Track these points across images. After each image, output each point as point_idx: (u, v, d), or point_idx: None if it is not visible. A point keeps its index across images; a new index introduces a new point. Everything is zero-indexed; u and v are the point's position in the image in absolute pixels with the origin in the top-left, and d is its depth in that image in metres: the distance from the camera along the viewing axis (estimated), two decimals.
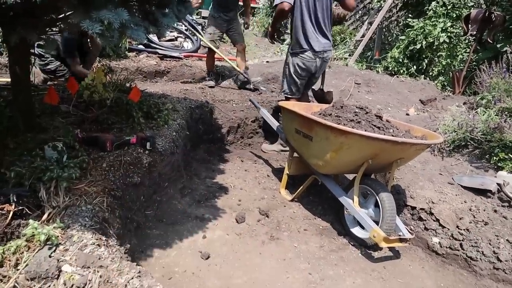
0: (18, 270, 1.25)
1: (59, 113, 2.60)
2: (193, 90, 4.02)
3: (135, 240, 1.97)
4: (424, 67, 5.71)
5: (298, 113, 2.42)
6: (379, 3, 6.52)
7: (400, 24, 6.37)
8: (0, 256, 1.27)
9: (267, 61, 6.28)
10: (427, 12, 5.58)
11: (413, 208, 2.48)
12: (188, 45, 6.13)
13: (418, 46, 5.48)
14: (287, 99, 3.28)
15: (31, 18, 1.62)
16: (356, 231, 2.36)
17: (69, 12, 1.49)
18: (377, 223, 2.18)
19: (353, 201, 2.26)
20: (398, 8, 6.30)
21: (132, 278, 1.31)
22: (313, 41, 3.01)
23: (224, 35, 4.56)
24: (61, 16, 1.65)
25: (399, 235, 2.19)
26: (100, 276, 1.27)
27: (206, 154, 3.36)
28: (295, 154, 2.77)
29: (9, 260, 1.27)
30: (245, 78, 4.50)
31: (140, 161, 2.16)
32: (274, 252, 2.12)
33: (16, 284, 1.22)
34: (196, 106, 3.44)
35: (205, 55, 5.19)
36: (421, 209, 2.44)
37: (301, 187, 2.68)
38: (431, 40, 5.39)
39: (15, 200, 1.52)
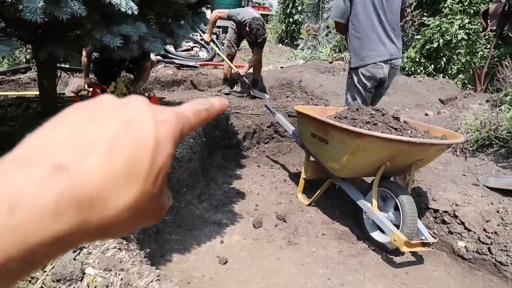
0: (45, 272, 1.29)
1: None
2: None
3: (155, 245, 2.00)
4: (443, 66, 5.58)
5: (313, 116, 2.41)
6: None
7: (416, 24, 6.25)
8: None
9: (281, 67, 6.29)
10: (443, 10, 5.47)
11: (436, 211, 2.41)
12: (203, 54, 6.23)
13: (435, 44, 5.37)
14: None
15: (57, 35, 1.69)
16: (376, 235, 2.31)
17: (92, 28, 1.56)
18: (397, 227, 2.13)
19: (372, 205, 2.21)
20: (412, 8, 6.19)
21: (152, 281, 1.33)
22: (379, 46, 2.73)
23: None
24: (84, 31, 1.72)
25: (422, 239, 2.12)
26: (121, 279, 1.29)
27: (223, 160, 3.38)
28: (312, 158, 2.75)
29: None
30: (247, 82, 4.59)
31: None
32: (292, 257, 2.10)
33: (43, 285, 1.26)
34: None
35: (220, 63, 5.27)
36: (445, 211, 2.36)
37: (318, 191, 2.65)
38: (449, 38, 5.27)
39: None
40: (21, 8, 1.18)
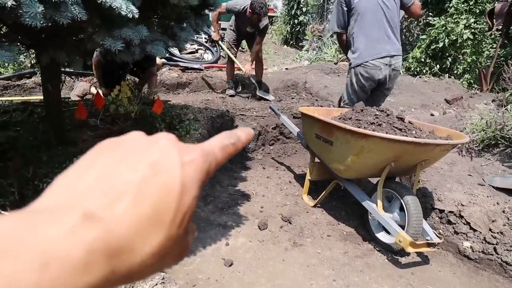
0: None
1: (88, 126, 2.72)
2: (214, 100, 4.10)
3: None
4: (448, 66, 5.55)
5: (317, 118, 2.42)
6: None
7: (421, 24, 6.23)
8: None
9: (286, 68, 6.31)
10: (448, 10, 5.44)
11: (441, 211, 2.40)
12: (208, 56, 6.27)
13: (441, 44, 5.34)
14: None
15: (59, 39, 1.72)
16: (382, 236, 2.31)
17: (93, 32, 1.58)
18: (403, 227, 2.12)
19: (377, 206, 2.22)
20: None
21: (156, 284, 1.35)
22: (380, 46, 2.78)
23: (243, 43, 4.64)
24: (86, 35, 1.75)
25: (427, 240, 2.12)
26: None
27: (228, 162, 3.39)
28: (317, 160, 2.76)
29: None
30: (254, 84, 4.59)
31: None
32: (298, 259, 2.11)
33: None
34: (217, 116, 3.50)
35: (225, 65, 5.29)
36: (450, 212, 2.36)
37: (324, 193, 2.65)
38: (454, 38, 5.24)
39: None
40: (21, 13, 1.19)
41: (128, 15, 1.37)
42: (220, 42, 4.65)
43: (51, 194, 0.21)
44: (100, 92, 3.55)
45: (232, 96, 4.48)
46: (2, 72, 4.76)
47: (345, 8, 2.87)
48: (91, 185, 0.21)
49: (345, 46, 3.12)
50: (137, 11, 1.40)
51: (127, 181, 0.21)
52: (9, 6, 1.14)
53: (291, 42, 8.72)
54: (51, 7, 1.24)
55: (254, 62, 4.55)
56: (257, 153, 3.68)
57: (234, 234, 2.29)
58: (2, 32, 1.83)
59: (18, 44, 1.77)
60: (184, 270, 1.92)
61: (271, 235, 2.32)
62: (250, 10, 4.06)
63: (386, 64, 2.80)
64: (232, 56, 4.50)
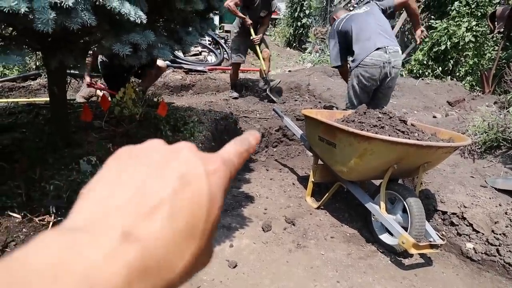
0: None
1: (93, 128, 2.75)
2: (217, 102, 4.12)
3: None
4: (450, 68, 5.57)
5: (320, 120, 2.44)
6: None
7: (423, 26, 6.25)
8: None
9: (289, 71, 6.33)
10: (450, 13, 5.46)
11: (444, 213, 2.41)
12: (212, 58, 6.31)
13: (443, 47, 5.36)
14: None
15: (68, 44, 1.75)
16: (385, 237, 2.32)
17: (102, 37, 1.61)
18: (406, 229, 2.14)
19: (380, 207, 2.23)
20: (420, 11, 6.19)
21: None
22: (372, 40, 2.87)
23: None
24: (94, 40, 1.78)
25: (430, 241, 2.13)
26: None
27: None
28: (320, 162, 2.78)
29: None
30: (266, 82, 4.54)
31: None
32: (301, 260, 2.12)
33: None
34: (221, 118, 3.53)
35: (229, 67, 5.31)
36: (453, 213, 2.37)
37: (327, 195, 2.67)
38: (456, 40, 5.26)
39: (54, 211, 1.63)
40: (32, 19, 1.21)
41: (136, 21, 1.40)
42: (250, 27, 4.40)
43: (85, 210, 0.21)
44: (88, 79, 3.61)
45: (235, 98, 4.51)
46: (7, 73, 4.81)
47: (338, 41, 3.10)
48: (123, 200, 0.21)
49: (347, 77, 3.32)
50: (145, 16, 1.42)
51: (159, 195, 0.21)
52: (22, 12, 1.17)
53: (294, 44, 8.74)
54: (63, 13, 1.27)
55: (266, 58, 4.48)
56: (261, 155, 3.71)
57: (238, 236, 2.30)
58: (11, 36, 1.86)
59: (26, 47, 1.80)
60: None
61: (275, 236, 2.34)
62: None
63: (385, 62, 2.86)
64: (252, 31, 4.32)
